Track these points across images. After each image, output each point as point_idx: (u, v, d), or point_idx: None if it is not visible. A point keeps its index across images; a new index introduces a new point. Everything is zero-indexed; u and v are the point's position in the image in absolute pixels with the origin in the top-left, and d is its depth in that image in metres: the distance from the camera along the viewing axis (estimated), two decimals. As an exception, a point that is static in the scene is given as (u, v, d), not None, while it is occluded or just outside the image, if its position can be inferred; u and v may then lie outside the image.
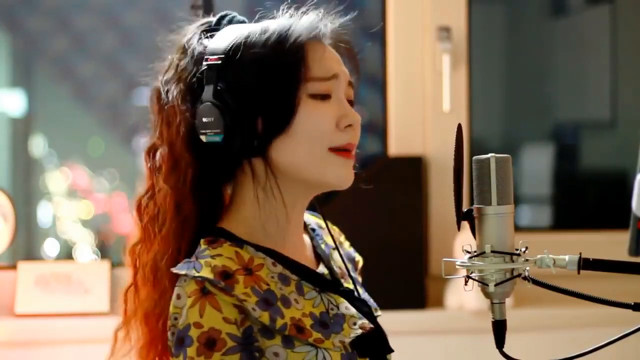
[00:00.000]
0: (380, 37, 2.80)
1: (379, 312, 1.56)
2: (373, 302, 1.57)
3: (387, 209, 2.57)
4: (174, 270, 1.38)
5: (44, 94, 4.92)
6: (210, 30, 1.50)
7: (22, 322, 2.47)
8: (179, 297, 1.36)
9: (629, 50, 3.37)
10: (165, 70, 1.48)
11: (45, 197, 4.60)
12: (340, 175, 1.44)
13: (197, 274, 1.35)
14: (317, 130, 1.41)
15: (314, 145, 1.42)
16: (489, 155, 1.29)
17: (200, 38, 1.48)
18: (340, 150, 1.43)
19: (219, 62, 1.42)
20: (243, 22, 1.52)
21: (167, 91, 1.45)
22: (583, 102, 3.55)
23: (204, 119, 1.41)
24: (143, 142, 1.50)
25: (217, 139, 1.41)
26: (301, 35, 1.43)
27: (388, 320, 2.55)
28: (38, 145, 4.75)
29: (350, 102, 1.47)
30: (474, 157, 1.30)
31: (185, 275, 1.36)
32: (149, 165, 1.47)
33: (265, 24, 1.45)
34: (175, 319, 1.36)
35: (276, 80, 1.41)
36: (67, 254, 4.34)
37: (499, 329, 1.31)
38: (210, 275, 1.35)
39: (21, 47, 4.90)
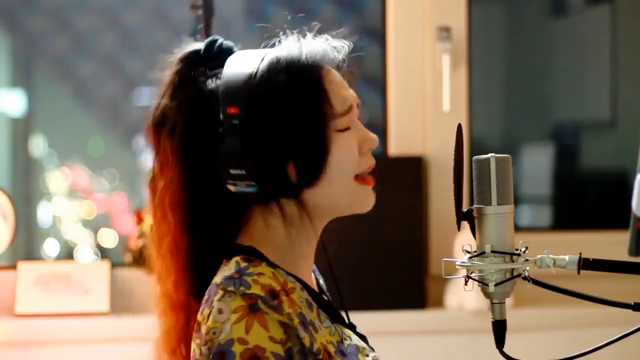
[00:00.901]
0: (380, 37, 2.80)
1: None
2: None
3: (387, 209, 2.56)
4: (222, 286, 1.35)
5: (44, 94, 4.92)
6: (201, 61, 1.44)
7: (22, 322, 2.47)
8: (220, 311, 1.33)
9: (629, 50, 3.37)
10: (156, 110, 1.43)
11: (45, 197, 4.60)
12: (367, 203, 1.45)
13: (248, 291, 1.33)
14: (348, 164, 1.40)
15: (345, 180, 1.41)
16: (489, 155, 1.29)
17: (193, 76, 1.43)
18: (364, 177, 1.43)
19: (240, 113, 1.37)
20: (231, 47, 1.46)
21: (161, 135, 1.42)
22: (583, 102, 3.55)
23: (232, 171, 1.38)
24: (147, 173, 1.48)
25: (250, 190, 1.39)
26: (317, 69, 1.39)
27: (388, 320, 2.56)
28: (38, 145, 4.75)
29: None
30: (474, 157, 1.29)
31: (233, 292, 1.34)
32: (150, 193, 1.46)
33: (274, 57, 1.39)
34: (214, 333, 1.32)
35: (306, 124, 1.38)
36: (67, 254, 4.34)
37: (499, 329, 1.30)
38: (261, 293, 1.33)
39: (21, 47, 4.90)
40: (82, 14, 4.73)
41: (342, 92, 1.42)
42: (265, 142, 1.37)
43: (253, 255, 1.41)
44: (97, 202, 4.60)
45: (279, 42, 1.43)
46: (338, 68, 1.45)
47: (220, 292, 1.35)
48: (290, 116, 1.37)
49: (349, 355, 1.41)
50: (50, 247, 4.37)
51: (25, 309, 2.49)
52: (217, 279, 1.38)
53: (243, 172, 1.38)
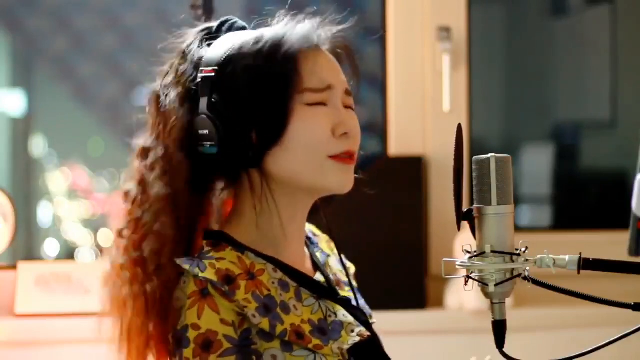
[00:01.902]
0: (380, 37, 2.80)
1: (374, 319, 1.56)
2: (368, 309, 1.57)
3: (387, 209, 2.57)
4: (178, 261, 1.38)
5: (44, 94, 4.92)
6: (211, 36, 1.49)
7: (22, 322, 2.46)
8: (178, 299, 1.37)
9: (629, 50, 3.37)
10: (165, 74, 1.48)
11: (45, 197, 4.60)
12: (341, 180, 1.44)
13: (200, 274, 1.35)
14: (312, 138, 1.41)
15: (311, 154, 1.42)
16: (489, 155, 1.29)
17: (200, 44, 1.48)
18: (338, 156, 1.43)
19: (213, 74, 1.42)
20: (244, 27, 1.52)
21: (166, 95, 1.45)
22: (583, 102, 3.55)
23: (200, 131, 1.42)
24: (136, 141, 1.49)
25: (213, 151, 1.42)
26: (294, 45, 1.42)
27: (388, 320, 2.56)
28: (38, 145, 4.75)
29: (350, 108, 1.46)
30: (474, 157, 1.29)
31: (188, 271, 1.36)
32: (141, 163, 1.46)
33: (260, 33, 1.45)
34: (174, 319, 1.37)
35: (268, 91, 1.41)
36: (67, 254, 4.34)
37: (499, 329, 1.30)
38: (214, 278, 1.36)
39: (21, 47, 4.90)
40: (82, 14, 4.73)
41: (323, 72, 1.44)
42: (229, 104, 1.40)
43: (222, 239, 1.43)
44: (97, 202, 4.60)
45: (274, 23, 1.48)
46: (335, 55, 1.48)
47: (180, 280, 1.37)
48: (256, 82, 1.40)
49: (330, 332, 1.41)
50: (50, 247, 4.37)
51: (25, 309, 2.49)
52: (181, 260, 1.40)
53: (206, 131, 1.41)
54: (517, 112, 3.65)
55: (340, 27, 1.49)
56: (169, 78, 1.47)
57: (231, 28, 1.51)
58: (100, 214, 4.61)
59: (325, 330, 1.41)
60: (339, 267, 1.58)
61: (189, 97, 1.44)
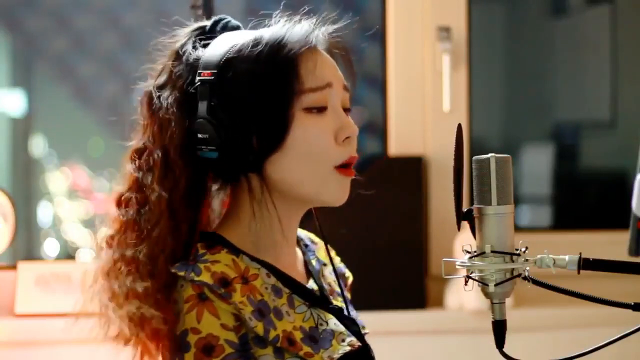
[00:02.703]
0: (380, 37, 2.80)
1: (367, 330, 1.55)
2: (361, 321, 1.56)
3: (387, 209, 2.57)
4: (173, 269, 1.37)
5: (44, 94, 4.91)
6: (205, 35, 1.48)
7: (22, 322, 2.47)
8: (175, 302, 1.36)
9: (629, 50, 3.37)
10: (158, 75, 1.46)
11: (45, 197, 4.60)
12: (338, 194, 1.43)
13: (196, 278, 1.35)
14: (315, 146, 1.40)
15: (315, 163, 1.40)
16: (489, 155, 1.29)
17: (195, 44, 1.46)
18: (344, 167, 1.42)
19: (212, 77, 1.40)
20: (237, 27, 1.50)
21: (160, 96, 1.44)
22: (583, 102, 3.55)
23: (199, 135, 1.41)
24: (130, 143, 1.48)
25: (213, 155, 1.40)
26: (293, 47, 1.41)
27: (388, 320, 2.56)
28: (38, 145, 4.75)
29: (347, 110, 1.46)
30: (474, 157, 1.29)
31: (184, 277, 1.36)
32: (135, 164, 1.44)
33: (258, 34, 1.43)
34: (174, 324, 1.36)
35: (268, 95, 1.39)
36: (67, 254, 4.34)
37: (499, 329, 1.30)
38: (209, 281, 1.35)
39: (21, 47, 4.89)
40: (82, 14, 4.72)
41: (322, 70, 1.42)
42: (228, 109, 1.39)
43: (216, 242, 1.42)
44: (97, 202, 4.60)
45: (272, 24, 1.47)
46: (331, 53, 1.47)
47: (177, 283, 1.36)
48: (255, 88, 1.39)
49: (321, 340, 1.41)
50: (50, 247, 4.36)
51: (25, 309, 2.49)
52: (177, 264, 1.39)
53: (206, 135, 1.40)
54: (517, 112, 3.65)
55: (336, 26, 1.48)
56: (162, 79, 1.45)
57: (225, 27, 1.50)
58: (101, 214, 4.60)
59: (317, 338, 1.41)
60: (333, 278, 1.57)
61: (186, 101, 1.43)
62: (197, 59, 1.44)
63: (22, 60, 4.96)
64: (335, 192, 1.43)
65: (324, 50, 1.46)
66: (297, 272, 1.50)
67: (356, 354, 1.45)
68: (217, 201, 1.53)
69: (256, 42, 1.41)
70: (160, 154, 1.42)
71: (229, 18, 1.51)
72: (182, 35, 1.48)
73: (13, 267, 2.56)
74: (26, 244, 4.30)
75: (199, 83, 1.41)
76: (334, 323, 1.46)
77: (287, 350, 1.37)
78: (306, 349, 1.38)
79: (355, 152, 1.45)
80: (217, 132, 1.39)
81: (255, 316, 1.36)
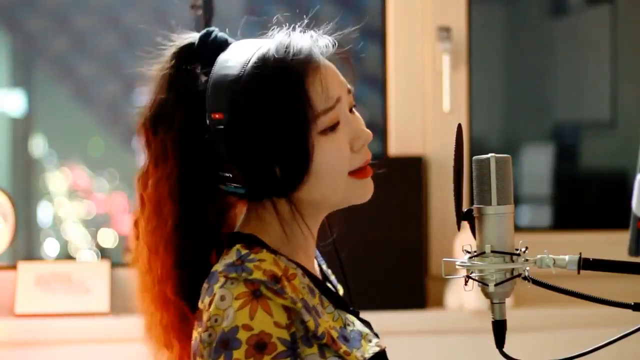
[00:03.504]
0: (380, 37, 2.80)
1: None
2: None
3: (387, 209, 2.57)
4: (223, 273, 1.36)
5: (44, 94, 4.91)
6: (194, 55, 1.45)
7: (22, 322, 2.47)
8: (223, 298, 1.33)
9: (629, 50, 3.37)
10: (151, 106, 1.44)
11: (45, 197, 4.60)
12: (363, 195, 1.45)
13: (250, 277, 1.34)
14: (335, 162, 1.40)
15: (337, 176, 1.41)
16: (489, 155, 1.29)
17: (188, 72, 1.44)
18: (359, 170, 1.43)
19: (224, 119, 1.38)
20: (226, 40, 1.47)
21: (153, 128, 1.43)
22: (583, 102, 3.55)
23: (223, 174, 1.41)
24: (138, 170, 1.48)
25: (240, 191, 1.41)
26: (300, 71, 1.38)
27: (388, 320, 2.56)
28: (38, 145, 4.75)
29: (350, 109, 1.45)
30: (474, 157, 1.30)
31: (236, 278, 1.34)
32: (148, 192, 1.45)
33: (261, 58, 1.39)
34: (216, 320, 1.33)
35: (287, 130, 1.37)
36: (67, 254, 4.34)
37: (499, 329, 1.31)
38: (264, 278, 1.34)
39: (21, 47, 4.89)
40: (82, 14, 4.72)
41: (328, 88, 1.40)
42: (248, 148, 1.38)
43: (253, 243, 1.41)
44: (97, 202, 4.60)
45: (270, 36, 1.43)
46: (330, 58, 1.45)
47: (222, 279, 1.35)
48: (272, 123, 1.37)
49: (351, 340, 1.41)
50: (50, 247, 4.36)
51: (25, 309, 2.49)
52: (218, 266, 1.38)
53: (230, 175, 1.40)
54: (517, 112, 3.66)
55: (336, 35, 1.47)
56: (158, 111, 1.43)
57: (215, 42, 1.46)
58: (100, 214, 4.61)
59: (348, 338, 1.41)
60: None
61: (188, 135, 1.42)
62: (198, 91, 1.42)
63: (22, 60, 4.95)
64: (360, 194, 1.44)
65: (326, 59, 1.44)
66: (317, 275, 1.50)
67: (383, 355, 1.45)
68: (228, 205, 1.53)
69: (261, 73, 1.38)
70: (152, 190, 1.43)
71: (215, 31, 1.48)
72: (168, 59, 1.46)
73: (13, 267, 2.56)
74: (26, 244, 4.30)
75: (210, 124, 1.40)
76: (359, 324, 1.47)
77: (329, 348, 1.36)
78: (344, 347, 1.37)
79: (370, 155, 1.45)
80: (241, 172, 1.39)
81: (305, 311, 1.35)
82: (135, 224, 1.48)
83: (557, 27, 3.64)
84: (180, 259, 1.43)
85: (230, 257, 1.38)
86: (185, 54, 1.46)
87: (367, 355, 1.41)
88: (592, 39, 3.46)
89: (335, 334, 1.38)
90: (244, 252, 1.38)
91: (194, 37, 1.48)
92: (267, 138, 1.37)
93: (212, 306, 1.34)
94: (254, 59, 1.39)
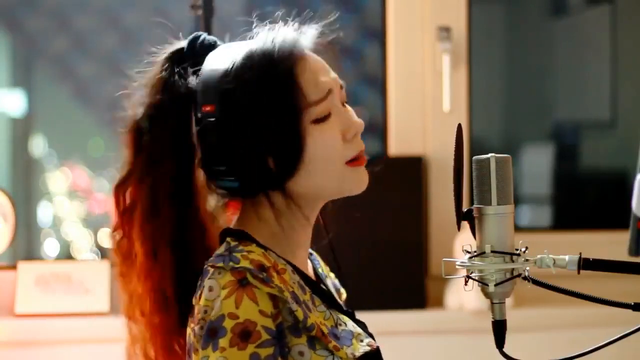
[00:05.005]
0: (380, 37, 2.80)
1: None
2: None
3: (387, 209, 2.57)
4: (211, 263, 1.37)
5: (44, 94, 4.91)
6: (185, 59, 1.47)
7: (22, 322, 2.47)
8: (210, 289, 1.35)
9: (629, 50, 3.37)
10: (145, 107, 1.46)
11: (45, 197, 4.60)
12: (359, 183, 1.45)
13: (237, 265, 1.35)
14: (328, 152, 1.41)
15: (330, 165, 1.42)
16: (489, 155, 1.29)
17: (180, 73, 1.45)
18: (354, 160, 1.44)
19: (215, 111, 1.40)
20: (214, 42, 1.49)
21: (148, 130, 1.44)
22: (583, 102, 3.55)
23: (216, 167, 1.41)
24: (114, 175, 1.50)
25: (234, 185, 1.42)
26: (288, 62, 1.39)
27: (388, 320, 2.56)
28: (38, 145, 4.75)
29: (343, 104, 1.46)
30: (474, 157, 1.30)
31: (222, 267, 1.35)
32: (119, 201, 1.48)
33: (246, 53, 1.41)
34: (206, 312, 1.34)
35: (278, 119, 1.38)
36: (67, 254, 4.34)
37: (499, 329, 1.31)
38: (250, 266, 1.35)
39: (21, 47, 4.89)
40: (82, 14, 4.72)
41: (318, 78, 1.42)
42: (241, 139, 1.39)
43: (243, 237, 1.42)
44: (97, 202, 4.60)
45: (254, 35, 1.45)
46: (317, 52, 1.46)
47: (210, 270, 1.37)
48: (263, 113, 1.39)
49: (342, 338, 1.41)
50: (50, 247, 4.36)
51: (25, 309, 2.49)
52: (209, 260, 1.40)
53: (223, 168, 1.41)
54: (517, 112, 3.66)
55: (320, 24, 1.48)
56: (148, 112, 1.45)
57: (202, 46, 1.48)
58: (100, 214, 4.61)
59: (338, 336, 1.41)
60: (333, 290, 1.58)
61: (181, 134, 1.43)
62: (190, 90, 1.43)
63: (22, 60, 4.95)
64: (355, 183, 1.45)
65: (312, 51, 1.45)
66: (310, 274, 1.51)
67: (375, 355, 1.45)
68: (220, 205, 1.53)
69: (250, 65, 1.40)
70: (148, 191, 1.44)
71: (203, 34, 1.50)
72: (159, 63, 1.47)
73: (13, 267, 2.56)
74: (26, 244, 4.30)
75: (201, 117, 1.41)
76: (351, 325, 1.47)
77: (319, 341, 1.37)
78: (334, 342, 1.38)
79: (363, 145, 1.46)
80: (234, 164, 1.40)
81: (294, 301, 1.36)
82: (123, 227, 1.48)
83: (557, 27, 3.64)
84: (182, 260, 1.44)
85: (219, 250, 1.40)
86: (176, 57, 1.48)
87: (358, 354, 1.41)
88: (592, 39, 3.46)
89: (326, 330, 1.39)
90: (233, 243, 1.40)
91: (184, 42, 1.50)
92: (259, 127, 1.39)
93: (202, 298, 1.35)
94: (242, 54, 1.41)
